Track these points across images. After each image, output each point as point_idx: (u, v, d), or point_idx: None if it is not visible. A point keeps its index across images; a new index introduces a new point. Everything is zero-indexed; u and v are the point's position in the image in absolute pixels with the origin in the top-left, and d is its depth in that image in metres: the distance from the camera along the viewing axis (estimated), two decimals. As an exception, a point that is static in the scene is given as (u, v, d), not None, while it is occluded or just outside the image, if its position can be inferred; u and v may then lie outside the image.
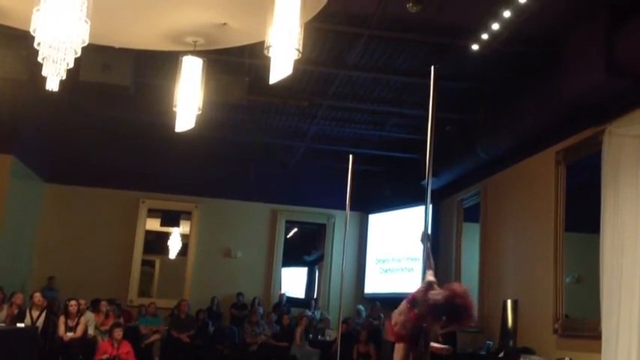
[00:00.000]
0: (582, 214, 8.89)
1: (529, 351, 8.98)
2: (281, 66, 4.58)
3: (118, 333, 9.82)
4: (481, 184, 11.70)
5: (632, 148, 7.40)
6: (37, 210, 13.95)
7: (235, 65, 8.81)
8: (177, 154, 12.52)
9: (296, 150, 13.12)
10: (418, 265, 12.16)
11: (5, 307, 9.68)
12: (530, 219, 9.93)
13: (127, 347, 9.80)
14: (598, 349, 7.41)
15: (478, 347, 10.85)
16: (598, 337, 7.45)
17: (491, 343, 10.47)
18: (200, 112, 6.17)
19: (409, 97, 10.01)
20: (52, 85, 4.40)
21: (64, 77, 4.33)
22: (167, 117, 7.22)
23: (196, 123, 6.48)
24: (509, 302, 10.12)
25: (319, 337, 12.79)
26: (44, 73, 4.31)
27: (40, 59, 4.23)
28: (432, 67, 4.63)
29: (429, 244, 4.27)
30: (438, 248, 13.04)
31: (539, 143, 9.44)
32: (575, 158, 8.87)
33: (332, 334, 12.46)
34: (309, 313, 13.36)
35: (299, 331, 11.99)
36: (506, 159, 10.40)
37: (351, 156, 8.87)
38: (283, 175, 13.97)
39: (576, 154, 8.82)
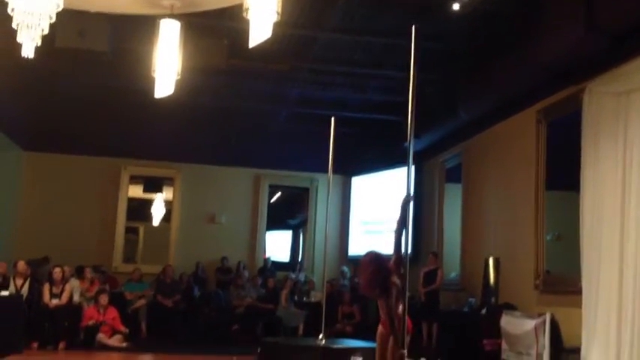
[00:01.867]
0: (563, 172, 8.98)
1: (511, 307, 9.16)
2: (260, 29, 4.53)
3: (104, 299, 9.86)
4: (463, 144, 11.76)
5: (612, 105, 7.46)
6: (17, 179, 13.84)
7: (214, 29, 8.70)
8: (158, 120, 12.40)
9: (278, 114, 13.06)
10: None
11: (-11, 276, 9.67)
12: (511, 178, 10.02)
13: (113, 313, 9.85)
14: (578, 304, 7.56)
15: (461, 305, 11.05)
16: (578, 292, 7.60)
17: (473, 300, 10.66)
18: (179, 77, 6.09)
19: (390, 58, 9.97)
20: (28, 51, 4.33)
21: (40, 44, 4.26)
22: (146, 83, 7.13)
23: (176, 89, 6.41)
24: (491, 260, 10.26)
25: (304, 298, 12.93)
26: (19, 39, 4.24)
27: (14, 25, 4.16)
28: (413, 27, 4.61)
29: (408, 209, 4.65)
30: (421, 209, 13.16)
31: (520, 103, 9.48)
32: (556, 117, 8.93)
33: (317, 296, 12.59)
34: (294, 276, 13.47)
35: (284, 293, 12.10)
36: (487, 119, 10.44)
37: (332, 119, 8.87)
38: (265, 139, 13.92)
39: (557, 112, 8.87)
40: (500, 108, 9.85)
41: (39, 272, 10.95)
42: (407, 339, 4.79)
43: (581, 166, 7.82)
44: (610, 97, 7.49)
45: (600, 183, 7.53)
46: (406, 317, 4.64)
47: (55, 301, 9.58)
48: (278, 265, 14.79)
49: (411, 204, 4.81)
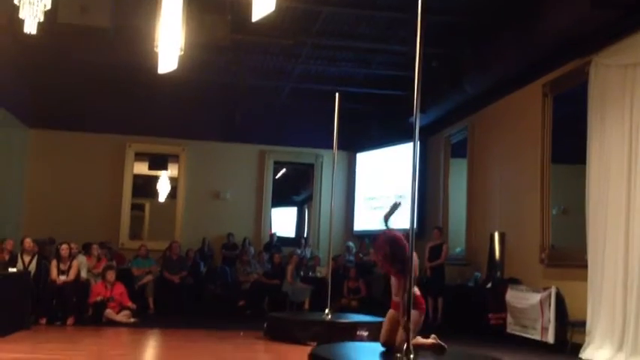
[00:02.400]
0: (569, 145, 8.95)
1: (516, 281, 9.19)
2: (263, 3, 4.50)
3: (111, 275, 9.91)
4: (468, 119, 11.72)
5: (617, 78, 7.40)
6: (23, 156, 13.87)
7: (217, 4, 8.64)
8: (162, 97, 12.39)
9: (282, 90, 13.02)
10: (406, 202, 12.29)
11: (-3, 253, 9.72)
12: (517, 152, 9.99)
13: (120, 288, 9.91)
14: (584, 278, 7.59)
15: (466, 279, 11.09)
16: (584, 266, 7.62)
17: (478, 274, 10.69)
18: (182, 52, 6.07)
19: (394, 33, 9.89)
20: (30, 28, 4.31)
21: (42, 20, 4.24)
22: (150, 59, 7.10)
23: (180, 65, 6.39)
24: (496, 234, 10.27)
25: (310, 274, 12.99)
26: (21, 15, 4.22)
27: (16, 1, 4.14)
28: (419, 0, 4.57)
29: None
30: (426, 184, 13.16)
31: (526, 76, 9.42)
32: (562, 90, 8.88)
33: (322, 271, 12.65)
34: (300, 252, 13.52)
35: (290, 268, 12.15)
36: (493, 93, 10.39)
37: (337, 94, 8.85)
38: (270, 115, 13.89)
39: (563, 85, 8.82)
40: (505, 82, 9.79)
41: (46, 249, 11.01)
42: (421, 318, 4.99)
43: (587, 139, 7.80)
44: (616, 69, 7.43)
45: (606, 156, 7.50)
46: (417, 294, 4.83)
47: (62, 278, 9.63)
48: (284, 241, 14.83)
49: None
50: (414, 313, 4.76)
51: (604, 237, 7.40)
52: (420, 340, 5.03)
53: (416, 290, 5.02)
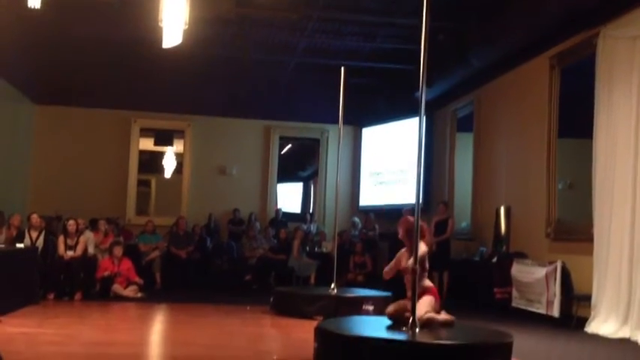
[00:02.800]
0: (576, 119, 8.90)
1: (522, 255, 9.20)
2: (268, -25, 4.45)
3: (118, 250, 9.97)
4: (475, 93, 11.65)
5: (626, 50, 7.33)
6: (29, 132, 13.90)
7: (222, -23, 8.56)
8: (167, 72, 12.32)
9: (287, 65, 12.94)
10: (411, 177, 12.28)
11: (4, 229, 9.77)
12: (523, 126, 9.94)
13: (127, 264, 9.98)
14: (590, 252, 7.58)
15: (471, 254, 11.11)
16: (590, 240, 7.61)
17: (484, 249, 10.71)
18: (187, 26, 6.05)
19: (400, 6, 9.79)
20: (34, 2, 4.29)
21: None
22: (155, 33, 7.06)
23: (184, 39, 6.35)
24: (502, 209, 10.27)
25: (316, 249, 13.03)
26: (25, -11, 4.19)
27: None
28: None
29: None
30: (432, 159, 13.13)
31: (533, 49, 9.33)
32: (570, 62, 8.80)
33: (328, 246, 12.69)
34: (305, 227, 13.55)
35: (296, 243, 12.19)
36: (499, 67, 10.31)
37: (343, 69, 8.80)
38: (275, 90, 13.82)
39: (570, 58, 8.74)
40: (512, 55, 9.71)
41: (53, 225, 11.07)
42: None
43: (595, 112, 7.74)
44: (624, 41, 7.36)
45: (613, 129, 7.45)
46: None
47: (70, 253, 9.69)
48: (289, 217, 14.86)
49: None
50: (428, 297, 5.15)
51: (610, 211, 7.38)
52: (432, 315, 5.09)
53: (429, 283, 5.42)
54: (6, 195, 12.11)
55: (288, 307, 8.19)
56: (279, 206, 14.84)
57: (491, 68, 10.40)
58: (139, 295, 9.74)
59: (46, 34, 10.64)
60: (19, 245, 9.03)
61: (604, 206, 7.48)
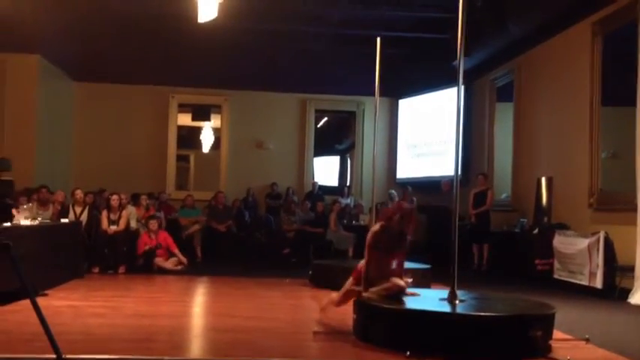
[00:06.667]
0: (619, 87, 8.68)
1: (564, 226, 9.07)
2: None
3: (153, 224, 10.11)
4: (514, 61, 11.43)
5: (672, 15, 7.10)
6: (68, 109, 14.11)
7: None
8: (203, 47, 12.34)
9: (321, 36, 12.83)
10: (449, 148, 12.17)
11: (50, 205, 9.97)
12: (565, 95, 9.74)
13: (163, 235, 10.12)
14: (633, 222, 7.44)
15: (512, 225, 10.99)
16: (633, 209, 7.46)
17: (525, 220, 10.58)
18: (222, 0, 6.03)
19: (437, -27, 9.62)
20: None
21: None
22: (191, 8, 7.07)
23: (219, 13, 6.35)
24: (543, 180, 10.12)
25: (353, 222, 13.04)
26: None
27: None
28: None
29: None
30: (471, 130, 12.96)
31: (574, 15, 9.09)
32: (612, 28, 8.57)
33: (365, 219, 12.68)
34: (342, 200, 13.55)
35: (333, 217, 12.21)
36: (539, 34, 10.07)
37: (378, 39, 8.70)
38: (310, 63, 13.74)
39: (613, 24, 8.51)
40: (552, 21, 9.46)
41: (96, 200, 11.27)
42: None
43: (638, 80, 7.54)
44: (671, 5, 7.12)
45: (659, 97, 7.25)
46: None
47: (113, 228, 9.86)
48: (326, 190, 14.88)
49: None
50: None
51: (655, 180, 7.22)
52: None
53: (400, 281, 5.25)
54: (50, 171, 12.36)
55: (326, 280, 8.22)
56: (315, 180, 14.87)
57: (530, 36, 10.16)
58: (180, 267, 9.89)
59: (84, 11, 10.72)
60: (64, 220, 9.22)
61: (649, 175, 7.31)
